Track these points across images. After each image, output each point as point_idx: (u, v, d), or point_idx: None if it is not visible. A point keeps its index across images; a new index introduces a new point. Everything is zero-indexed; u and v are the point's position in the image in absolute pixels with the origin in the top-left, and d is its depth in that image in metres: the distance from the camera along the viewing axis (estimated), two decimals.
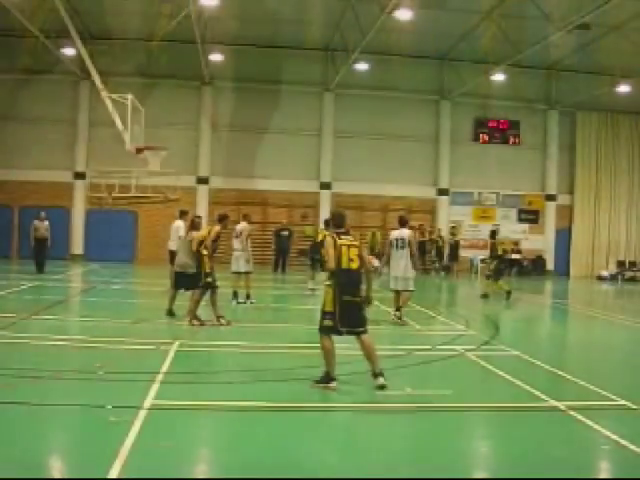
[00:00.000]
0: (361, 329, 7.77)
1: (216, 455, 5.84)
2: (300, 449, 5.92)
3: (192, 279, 12.46)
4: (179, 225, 16.35)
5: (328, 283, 7.78)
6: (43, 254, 21.88)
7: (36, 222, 22.17)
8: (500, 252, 19.33)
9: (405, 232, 13.10)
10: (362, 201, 29.90)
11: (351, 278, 7.73)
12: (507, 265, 20.54)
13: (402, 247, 12.94)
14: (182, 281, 12.72)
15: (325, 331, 7.75)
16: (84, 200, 27.86)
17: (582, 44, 25.84)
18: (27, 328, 11.01)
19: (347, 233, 8.04)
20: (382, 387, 7.63)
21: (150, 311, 13.94)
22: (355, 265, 7.72)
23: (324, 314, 7.74)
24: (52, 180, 28.27)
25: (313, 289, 17.23)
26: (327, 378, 7.73)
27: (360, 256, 7.81)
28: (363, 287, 7.89)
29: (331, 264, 7.65)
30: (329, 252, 7.69)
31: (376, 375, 7.72)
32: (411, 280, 13.07)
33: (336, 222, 8.12)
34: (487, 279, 19.46)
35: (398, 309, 13.12)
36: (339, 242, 7.73)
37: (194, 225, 12.94)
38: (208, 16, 24.49)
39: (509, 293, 18.53)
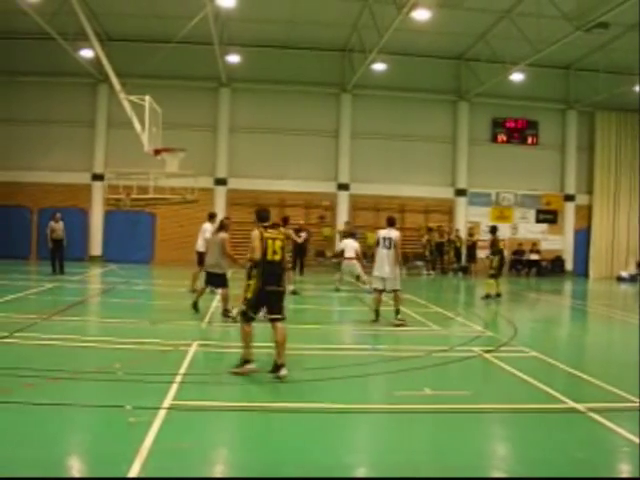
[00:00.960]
0: (279, 316, 8.36)
1: (234, 455, 5.86)
2: (317, 449, 5.93)
3: (220, 278, 12.98)
4: (206, 227, 16.57)
5: (253, 273, 8.29)
6: (60, 255, 22.02)
7: (52, 223, 22.32)
8: (500, 247, 19.45)
9: (393, 232, 13.03)
10: (379, 202, 29.77)
11: (274, 269, 8.34)
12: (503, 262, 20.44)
13: (388, 247, 12.87)
14: (211, 280, 13.17)
15: (242, 316, 8.36)
16: (102, 201, 27.98)
17: (601, 43, 25.64)
18: (47, 329, 11.09)
19: (273, 227, 8.70)
20: (282, 378, 7.99)
21: (169, 312, 14.04)
22: (278, 257, 8.36)
23: (244, 300, 8.33)
24: (70, 182, 28.47)
25: (294, 291, 17.55)
26: (244, 362, 8.24)
27: (283, 248, 8.44)
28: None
29: (257, 255, 8.24)
30: (255, 244, 8.28)
31: (278, 367, 8.11)
32: (398, 280, 13.04)
33: (261, 217, 8.68)
34: (491, 278, 18.79)
35: (397, 312, 13.04)
36: (265, 235, 8.33)
37: (223, 226, 13.15)
38: (225, 17, 24.59)
39: (499, 295, 18.62)
